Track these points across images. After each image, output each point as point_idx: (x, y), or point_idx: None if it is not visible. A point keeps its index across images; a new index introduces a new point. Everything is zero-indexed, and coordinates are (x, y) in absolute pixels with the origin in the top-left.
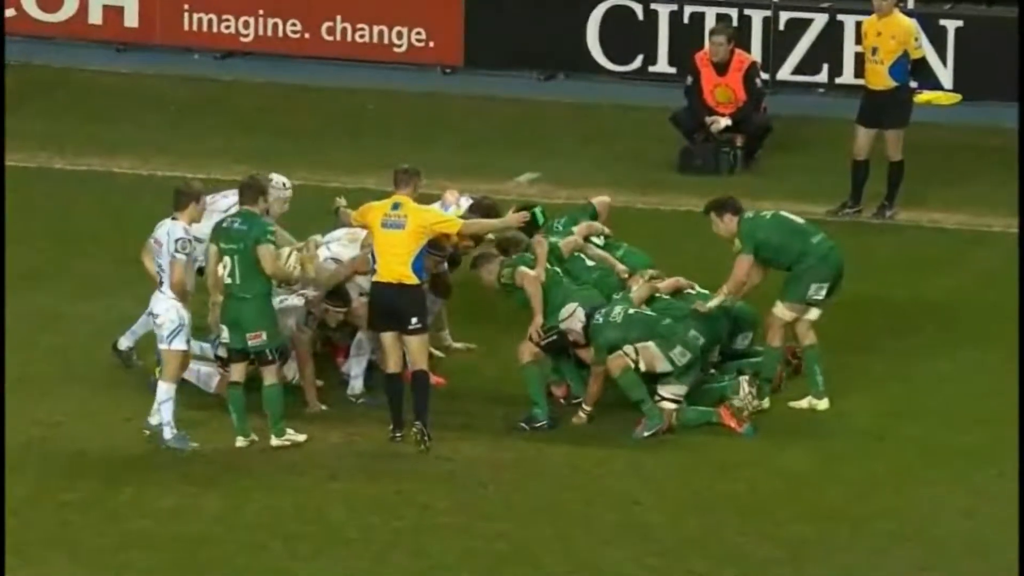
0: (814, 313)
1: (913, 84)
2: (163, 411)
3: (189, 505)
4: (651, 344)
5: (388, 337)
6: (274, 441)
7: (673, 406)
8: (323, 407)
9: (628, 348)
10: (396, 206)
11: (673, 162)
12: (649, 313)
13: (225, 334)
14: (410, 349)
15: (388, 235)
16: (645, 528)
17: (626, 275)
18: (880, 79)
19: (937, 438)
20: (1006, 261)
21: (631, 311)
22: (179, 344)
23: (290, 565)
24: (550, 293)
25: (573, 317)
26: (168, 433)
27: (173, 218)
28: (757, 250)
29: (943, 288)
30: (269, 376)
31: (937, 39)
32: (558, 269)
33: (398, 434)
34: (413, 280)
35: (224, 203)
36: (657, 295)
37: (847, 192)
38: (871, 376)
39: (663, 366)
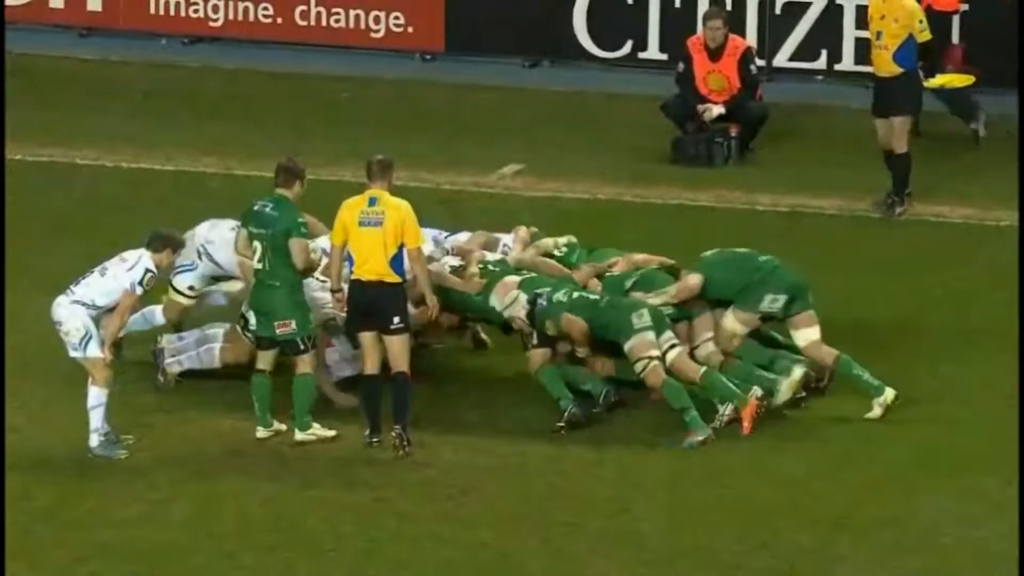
0: (813, 333)
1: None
2: (93, 418)
3: (156, 514)
4: (629, 346)
5: (368, 337)
6: (298, 435)
7: (680, 348)
8: (353, 399)
9: (636, 366)
10: (372, 201)
11: (664, 153)
12: (591, 296)
13: (252, 321)
14: (392, 350)
15: (365, 234)
16: (635, 537)
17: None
18: (886, 65)
19: (942, 442)
20: (1015, 257)
21: (575, 294)
22: (94, 351)
23: None
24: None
25: (516, 303)
26: (95, 440)
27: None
28: (706, 283)
29: (948, 285)
30: (302, 365)
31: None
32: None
33: (375, 439)
34: (394, 278)
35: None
36: (607, 274)
37: (847, 184)
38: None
39: (650, 336)
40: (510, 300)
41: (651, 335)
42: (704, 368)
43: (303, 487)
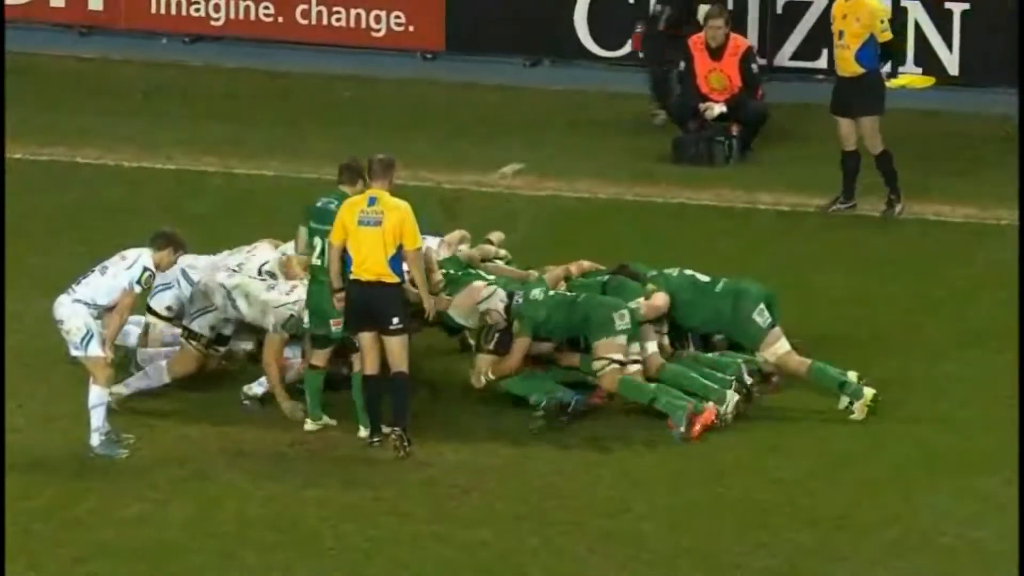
0: (782, 346)
1: (886, 69)
2: (94, 417)
3: (156, 513)
4: (598, 343)
5: (366, 338)
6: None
7: (638, 367)
8: (301, 411)
9: (596, 364)
10: (372, 201)
11: (665, 152)
12: (566, 293)
13: (306, 319)
14: (391, 350)
15: (365, 232)
16: (636, 537)
17: (535, 275)
18: (847, 65)
19: (942, 442)
20: (1015, 256)
21: (550, 292)
22: (95, 350)
23: None
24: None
25: (493, 297)
26: (96, 440)
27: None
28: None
29: (948, 285)
30: (355, 364)
31: (942, 23)
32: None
33: (376, 439)
34: (393, 278)
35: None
36: (570, 278)
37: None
38: (872, 377)
39: (623, 340)
40: (487, 294)
41: (623, 338)
42: (655, 385)
43: (303, 487)
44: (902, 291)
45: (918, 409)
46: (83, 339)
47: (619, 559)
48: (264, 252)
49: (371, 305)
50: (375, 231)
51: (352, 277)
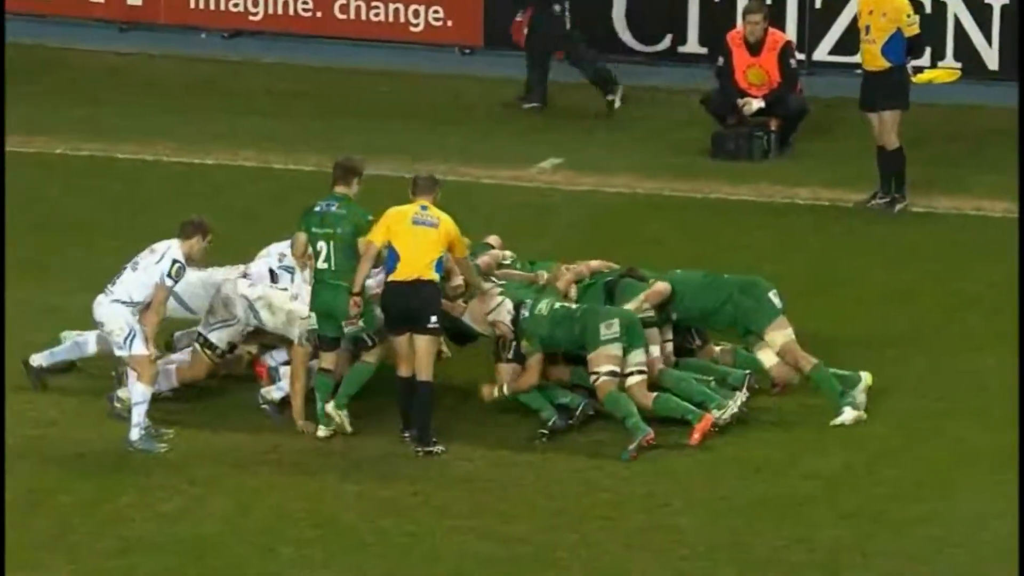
0: (791, 334)
1: (913, 63)
2: (135, 412)
3: (194, 508)
4: (590, 355)
5: (403, 340)
6: (328, 408)
7: (641, 377)
8: (313, 426)
9: (591, 377)
10: (424, 208)
11: (704, 147)
12: (570, 306)
13: (313, 321)
14: (419, 353)
15: (419, 232)
16: (674, 532)
17: (544, 280)
18: (874, 59)
19: (979, 438)
20: None
21: (556, 305)
22: (139, 348)
23: (301, 571)
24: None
25: (500, 308)
26: (136, 434)
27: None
28: (675, 299)
29: (986, 280)
30: (368, 356)
31: (982, 18)
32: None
33: (408, 433)
34: (433, 276)
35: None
36: (581, 280)
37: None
38: (910, 372)
39: (614, 350)
40: (494, 305)
41: (615, 348)
42: (655, 394)
43: (341, 481)
44: (940, 286)
45: (955, 405)
46: (126, 339)
47: (657, 553)
48: (233, 272)
49: (411, 304)
50: (431, 231)
51: (391, 279)
